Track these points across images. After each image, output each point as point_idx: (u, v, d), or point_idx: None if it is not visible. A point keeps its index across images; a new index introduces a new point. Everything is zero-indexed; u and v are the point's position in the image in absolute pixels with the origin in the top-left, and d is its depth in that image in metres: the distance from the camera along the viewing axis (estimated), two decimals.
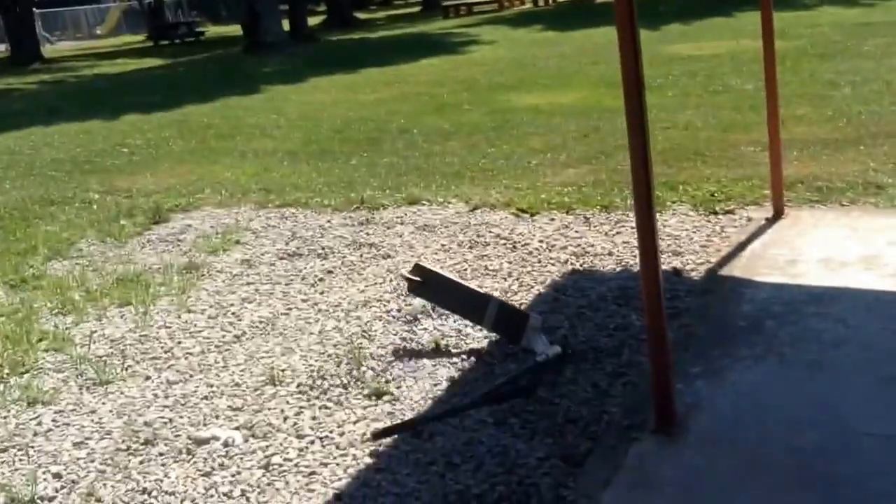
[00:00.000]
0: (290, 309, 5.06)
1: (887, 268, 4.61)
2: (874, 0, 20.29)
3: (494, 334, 4.28)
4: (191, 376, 4.30)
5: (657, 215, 5.84)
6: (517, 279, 5.21)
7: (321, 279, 5.52)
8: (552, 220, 6.27)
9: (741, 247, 5.16)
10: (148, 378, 4.34)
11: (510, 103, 11.73)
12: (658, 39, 16.69)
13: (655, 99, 9.33)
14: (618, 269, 5.18)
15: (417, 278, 4.44)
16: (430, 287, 4.40)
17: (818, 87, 10.36)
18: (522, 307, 4.75)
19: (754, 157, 7.24)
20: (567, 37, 19.70)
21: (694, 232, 5.66)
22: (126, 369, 4.46)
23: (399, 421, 3.67)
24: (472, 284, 5.15)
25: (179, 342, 4.74)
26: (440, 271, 4.66)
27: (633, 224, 3.46)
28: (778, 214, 5.63)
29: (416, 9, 44.38)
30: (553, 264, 5.39)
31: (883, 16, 17.27)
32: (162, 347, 4.69)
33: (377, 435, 3.55)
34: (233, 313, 5.07)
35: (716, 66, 12.80)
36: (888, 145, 7.25)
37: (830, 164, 6.82)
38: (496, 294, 4.97)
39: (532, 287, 5.06)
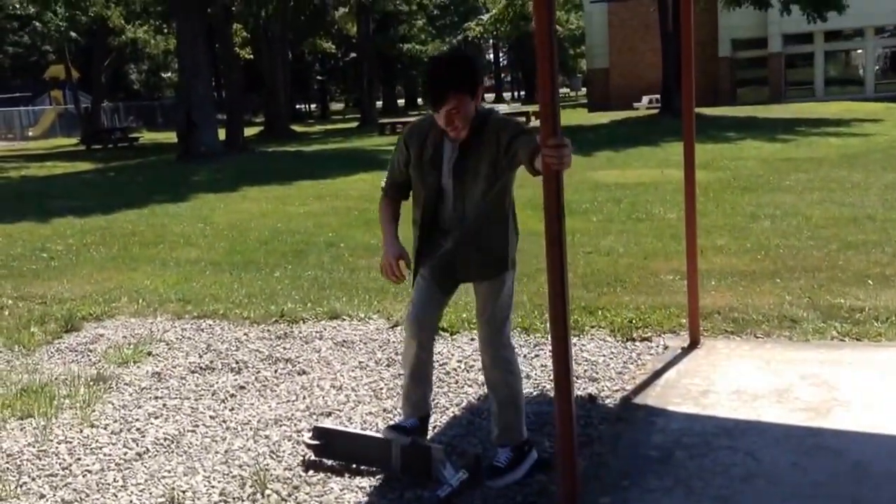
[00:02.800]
0: (196, 426, 4.90)
1: (798, 402, 4.64)
2: (794, 136, 21.09)
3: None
4: (87, 496, 4.11)
5: (575, 340, 5.90)
6: (433, 400, 5.12)
7: (232, 395, 5.38)
8: (472, 339, 6.23)
9: (656, 375, 5.17)
10: (42, 496, 4.14)
11: None
12: (586, 165, 17.08)
13: (579, 223, 9.47)
14: (535, 394, 5.14)
15: (318, 442, 4.35)
16: (333, 445, 4.32)
17: (739, 218, 10.62)
18: (436, 430, 4.67)
19: (673, 285, 7.34)
20: None
21: (611, 358, 5.67)
22: (20, 486, 4.25)
23: None
24: (387, 404, 5.08)
25: (79, 458, 4.54)
26: (338, 427, 4.58)
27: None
28: (694, 344, 5.67)
29: (353, 124, 45.12)
30: (470, 385, 5.34)
31: (805, 152, 17.93)
32: (60, 464, 4.49)
33: None
34: (137, 429, 4.90)
35: (640, 194, 13.09)
36: (804, 279, 7.40)
37: (747, 295, 6.93)
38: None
39: (447, 409, 4.99)
